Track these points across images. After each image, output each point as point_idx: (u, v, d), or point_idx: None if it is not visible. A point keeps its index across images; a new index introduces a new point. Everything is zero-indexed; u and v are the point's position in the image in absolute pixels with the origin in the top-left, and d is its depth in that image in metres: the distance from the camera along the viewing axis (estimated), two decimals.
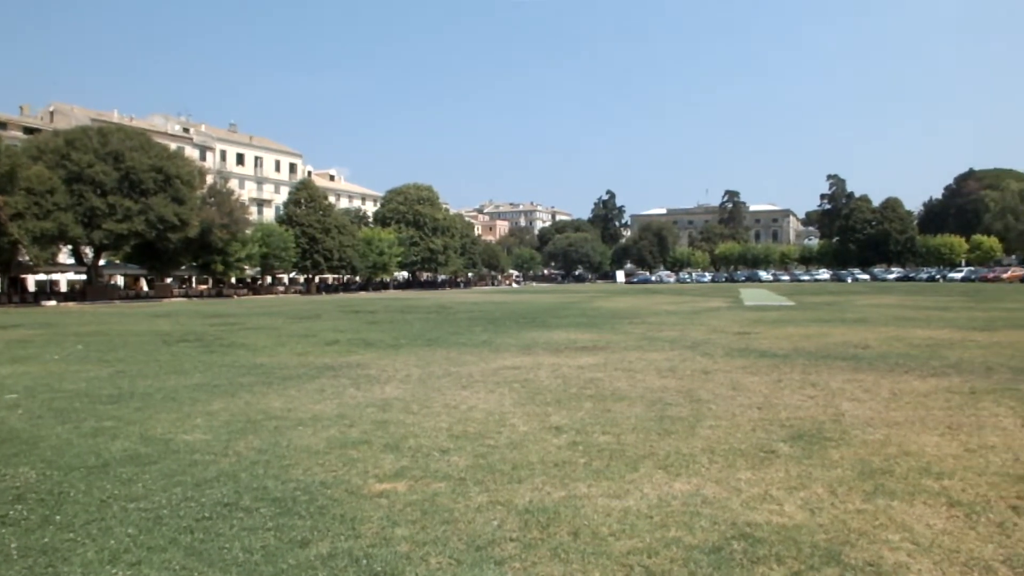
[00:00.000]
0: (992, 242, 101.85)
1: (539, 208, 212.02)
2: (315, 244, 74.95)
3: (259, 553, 4.07)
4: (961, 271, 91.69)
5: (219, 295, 66.30)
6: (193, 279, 74.25)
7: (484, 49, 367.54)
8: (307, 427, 7.41)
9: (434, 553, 4.04)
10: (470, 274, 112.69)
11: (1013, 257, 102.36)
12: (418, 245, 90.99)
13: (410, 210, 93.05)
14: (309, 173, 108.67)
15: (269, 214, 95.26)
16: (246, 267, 68.95)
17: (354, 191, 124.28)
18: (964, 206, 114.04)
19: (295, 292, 77.95)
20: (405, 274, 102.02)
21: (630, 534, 4.30)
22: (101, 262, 59.37)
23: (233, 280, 72.54)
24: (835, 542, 4.14)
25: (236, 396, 9.42)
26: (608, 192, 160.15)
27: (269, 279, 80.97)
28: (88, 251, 56.87)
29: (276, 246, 69.52)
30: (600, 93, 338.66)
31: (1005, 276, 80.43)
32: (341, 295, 71.92)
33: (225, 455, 6.28)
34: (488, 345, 15.91)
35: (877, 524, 4.42)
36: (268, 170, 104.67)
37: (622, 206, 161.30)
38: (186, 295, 65.77)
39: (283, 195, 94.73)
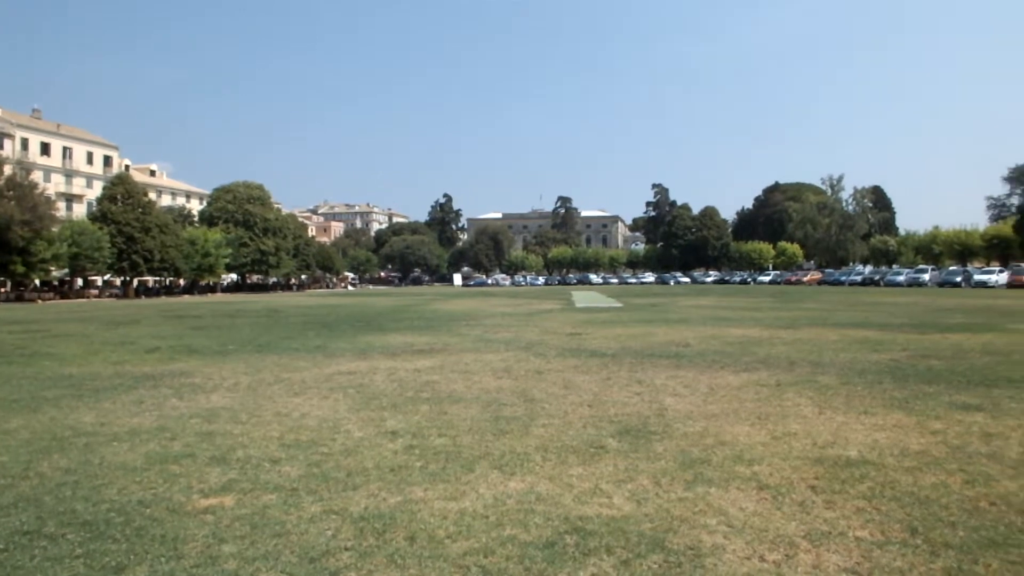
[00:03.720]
0: (795, 248, 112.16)
1: (376, 210, 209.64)
2: (133, 244, 69.64)
3: None
4: (769, 275, 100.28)
5: (19, 299, 59.91)
6: None
7: (317, 44, 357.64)
8: (123, 442, 6.86)
9: (264, 568, 3.87)
10: (303, 276, 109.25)
11: (812, 262, 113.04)
12: (248, 246, 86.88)
13: (239, 209, 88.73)
14: (127, 167, 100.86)
15: (80, 210, 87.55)
16: (52, 268, 62.85)
17: (178, 188, 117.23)
18: (771, 216, 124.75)
19: (110, 296, 72.09)
20: (234, 276, 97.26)
21: (466, 535, 4.33)
22: None
23: (37, 283, 66.04)
24: (659, 530, 4.38)
25: (39, 411, 8.57)
26: (445, 195, 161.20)
27: (80, 282, 74.37)
28: None
29: (88, 246, 63.83)
30: (436, 96, 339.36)
31: (806, 279, 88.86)
32: (163, 299, 67.37)
33: (25, 477, 5.69)
34: (322, 350, 15.49)
35: (696, 510, 4.72)
36: (79, 162, 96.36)
37: (459, 209, 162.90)
38: None
39: (97, 190, 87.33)
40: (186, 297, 72.12)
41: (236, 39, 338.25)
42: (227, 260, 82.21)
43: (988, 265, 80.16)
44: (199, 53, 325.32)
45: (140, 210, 72.36)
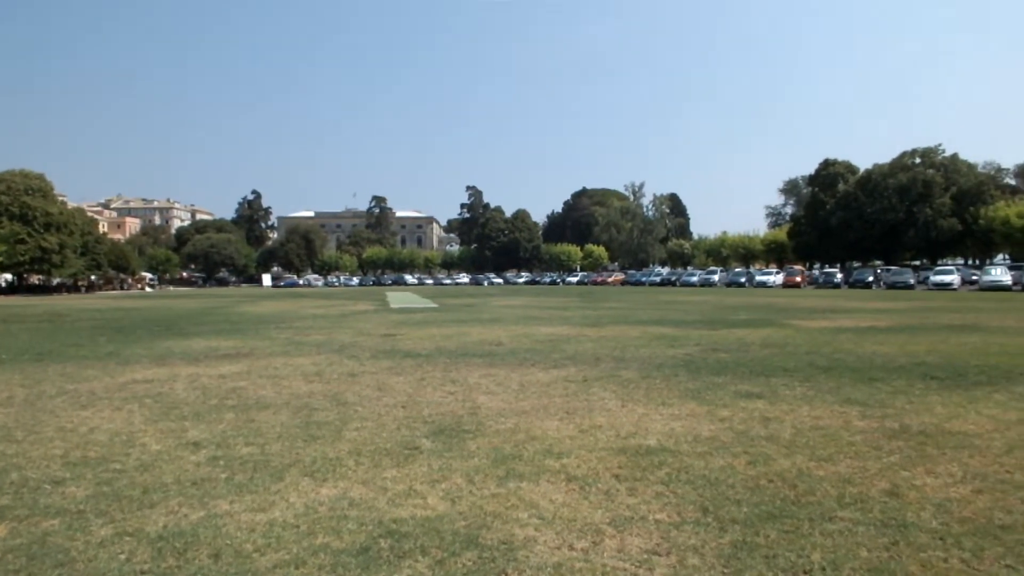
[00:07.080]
0: (600, 251, 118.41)
1: (177, 206, 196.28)
2: None
3: None
4: (577, 276, 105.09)
5: None
6: None
7: (105, 21, 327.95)
8: None
9: None
10: (93, 277, 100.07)
11: (616, 264, 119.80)
12: (26, 243, 77.97)
13: (15, 201, 79.36)
14: None
15: None
16: None
17: None
18: (579, 219, 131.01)
19: None
20: (9, 277, 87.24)
21: (276, 547, 4.16)
22: None
23: None
24: (473, 527, 4.45)
25: None
26: (254, 192, 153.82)
27: None
28: None
29: None
30: (243, 88, 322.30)
31: (610, 280, 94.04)
32: None
33: None
34: (114, 357, 14.26)
35: (509, 505, 4.84)
36: None
37: (268, 207, 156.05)
38: None
39: None
40: None
41: (8, 4, 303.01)
42: (0, 259, 73.61)
43: (767, 267, 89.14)
44: None
45: None
